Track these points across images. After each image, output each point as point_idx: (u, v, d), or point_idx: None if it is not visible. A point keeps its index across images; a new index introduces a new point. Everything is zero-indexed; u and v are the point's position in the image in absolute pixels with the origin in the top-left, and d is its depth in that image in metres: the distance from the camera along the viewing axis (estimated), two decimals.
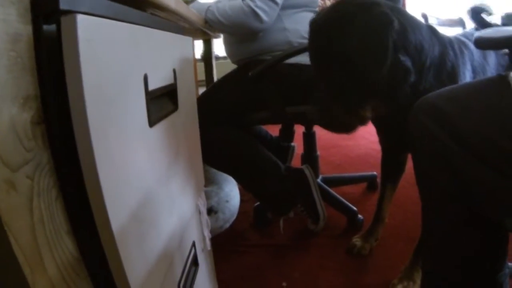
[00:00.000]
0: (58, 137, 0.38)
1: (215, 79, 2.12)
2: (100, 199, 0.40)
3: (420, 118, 0.68)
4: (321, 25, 0.88)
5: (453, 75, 0.91)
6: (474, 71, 0.99)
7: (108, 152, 0.42)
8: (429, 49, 0.89)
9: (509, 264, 0.70)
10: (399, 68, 0.84)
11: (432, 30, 0.92)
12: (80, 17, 0.36)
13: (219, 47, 2.43)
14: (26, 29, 0.34)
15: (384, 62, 0.79)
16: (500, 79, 0.66)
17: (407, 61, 0.85)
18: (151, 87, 0.57)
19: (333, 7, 0.88)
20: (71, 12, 0.36)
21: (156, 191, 0.58)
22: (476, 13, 1.53)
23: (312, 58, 0.93)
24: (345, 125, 0.92)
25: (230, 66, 1.50)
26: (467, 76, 0.95)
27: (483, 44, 0.76)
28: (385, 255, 1.28)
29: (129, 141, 0.49)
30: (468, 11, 1.57)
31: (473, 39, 1.07)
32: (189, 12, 1.01)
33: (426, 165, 0.68)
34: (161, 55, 0.65)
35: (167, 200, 0.63)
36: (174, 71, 0.72)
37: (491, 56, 1.08)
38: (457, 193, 0.64)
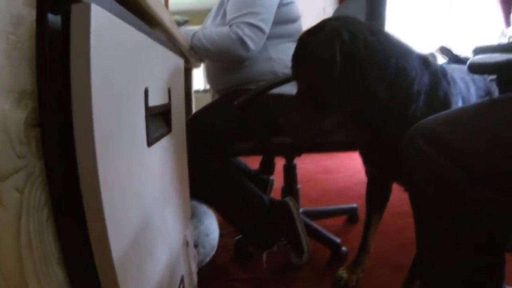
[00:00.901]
0: (54, 144, 0.32)
1: (194, 111, 2.08)
2: (101, 223, 0.34)
3: (417, 143, 0.68)
4: (299, 39, 0.95)
5: (446, 103, 0.93)
6: (463, 101, 1.01)
7: (111, 168, 0.36)
8: (415, 76, 0.90)
9: (507, 287, 0.69)
10: (365, 90, 0.86)
11: (423, 60, 0.94)
12: (94, 7, 0.31)
13: (195, 79, 2.41)
14: (30, 14, 0.29)
15: (331, 75, 0.84)
16: (492, 102, 0.68)
17: (373, 84, 0.86)
18: (150, 103, 0.53)
19: (314, 28, 0.94)
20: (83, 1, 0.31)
21: (153, 217, 0.51)
22: (446, 51, 1.64)
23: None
24: (301, 132, 0.96)
25: (208, 100, 1.47)
26: (459, 106, 0.96)
27: (476, 69, 0.78)
28: (372, 286, 1.23)
29: (130, 158, 0.43)
30: (437, 50, 1.68)
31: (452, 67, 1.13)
32: (179, 33, 0.98)
33: (425, 188, 0.68)
34: (159, 71, 0.61)
35: (162, 227, 0.57)
36: (169, 90, 0.68)
37: (472, 88, 1.12)
38: (456, 214, 0.63)
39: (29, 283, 0.29)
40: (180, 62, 0.78)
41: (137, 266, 0.42)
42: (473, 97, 1.09)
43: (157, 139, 0.58)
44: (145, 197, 0.49)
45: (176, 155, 0.73)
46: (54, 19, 0.31)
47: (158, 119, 0.63)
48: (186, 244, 0.80)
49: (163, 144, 0.63)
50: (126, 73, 0.41)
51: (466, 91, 1.05)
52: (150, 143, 0.52)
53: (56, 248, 0.33)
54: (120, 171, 0.39)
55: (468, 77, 1.12)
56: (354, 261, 1.28)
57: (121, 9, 0.43)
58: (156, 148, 0.57)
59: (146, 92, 0.50)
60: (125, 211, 0.40)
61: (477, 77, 1.18)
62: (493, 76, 0.88)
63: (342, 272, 1.27)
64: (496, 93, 1.17)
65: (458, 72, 1.11)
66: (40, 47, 0.30)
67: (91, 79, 0.32)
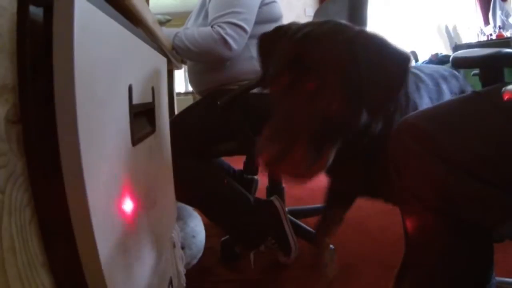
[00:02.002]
0: (37, 142, 0.31)
1: (176, 113, 2.05)
2: (87, 223, 0.32)
3: (404, 141, 0.68)
4: (315, 39, 0.68)
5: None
6: (431, 101, 0.98)
7: (97, 166, 0.35)
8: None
9: (497, 278, 0.70)
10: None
11: None
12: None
13: (176, 82, 2.38)
14: (11, 6, 0.27)
15: (394, 97, 0.69)
16: (476, 95, 0.69)
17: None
18: (133, 101, 0.51)
19: (322, 24, 0.72)
20: None
21: (138, 219, 0.50)
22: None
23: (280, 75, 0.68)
24: (308, 171, 0.68)
25: (189, 102, 1.45)
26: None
27: (460, 63, 0.80)
28: (360, 283, 1.23)
29: (115, 157, 0.42)
30: None
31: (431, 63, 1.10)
32: (162, 34, 0.96)
33: (413, 185, 0.68)
34: (143, 69, 0.59)
35: (148, 228, 0.55)
36: (153, 89, 0.66)
37: (444, 84, 1.09)
38: (446, 207, 0.64)
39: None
40: (163, 61, 0.77)
41: (125, 269, 0.41)
42: (446, 93, 1.04)
43: (142, 138, 0.57)
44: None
45: (161, 156, 0.72)
46: (36, 11, 0.30)
47: (142, 119, 0.62)
48: (173, 245, 0.78)
49: (148, 144, 0.62)
50: (110, 69, 0.40)
51: (436, 88, 0.99)
52: (134, 142, 0.51)
53: (41, 251, 0.32)
54: (105, 170, 0.38)
55: (439, 75, 1.07)
56: None
57: (105, 4, 0.42)
58: (141, 148, 0.56)
59: (130, 89, 0.49)
60: (112, 212, 0.39)
61: (448, 75, 1.13)
62: (476, 71, 0.89)
63: None
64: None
65: (427, 70, 1.05)
66: (21, 40, 0.28)
67: (75, 74, 0.30)
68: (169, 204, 0.77)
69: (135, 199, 0.50)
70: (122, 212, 0.43)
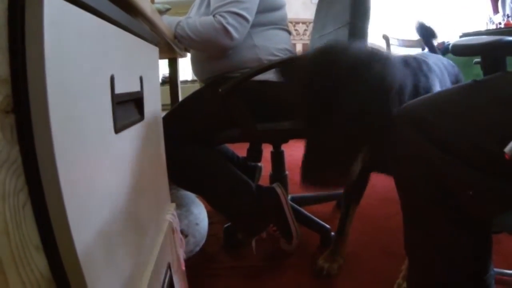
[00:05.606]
0: (29, 131, 0.32)
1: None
2: (62, 213, 0.34)
3: (404, 130, 0.68)
4: (328, 68, 0.80)
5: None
6: (440, 84, 1.03)
7: (72, 154, 0.37)
8: (406, 83, 0.90)
9: (495, 269, 0.71)
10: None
11: (403, 62, 0.94)
12: None
13: (183, 70, 2.38)
14: (2, 1, 0.29)
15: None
16: (476, 84, 0.69)
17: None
18: (117, 91, 0.53)
19: (334, 50, 0.84)
20: None
21: (123, 204, 0.52)
22: (424, 29, 1.63)
23: (312, 106, 0.83)
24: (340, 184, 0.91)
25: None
26: (438, 89, 0.99)
27: (459, 50, 0.79)
28: (360, 270, 1.25)
29: (94, 144, 0.43)
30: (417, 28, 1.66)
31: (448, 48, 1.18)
32: (162, 23, 0.97)
33: (412, 173, 0.68)
34: (128, 59, 0.61)
35: (135, 215, 0.57)
36: (141, 78, 0.68)
37: (445, 73, 1.15)
38: (444, 197, 0.64)
39: (7, 272, 0.29)
40: (153, 50, 0.78)
41: (105, 255, 0.43)
42: (447, 80, 1.12)
43: (127, 126, 0.58)
44: (112, 184, 0.49)
45: (150, 142, 0.74)
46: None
47: (128, 107, 0.63)
48: (173, 231, 0.80)
49: (135, 131, 0.63)
50: (86, 61, 0.41)
51: (441, 75, 1.08)
52: (118, 129, 0.52)
53: (35, 235, 0.33)
54: (82, 157, 0.40)
55: (440, 63, 1.16)
56: (333, 249, 1.28)
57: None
58: (126, 135, 0.57)
59: (112, 79, 0.50)
60: (88, 198, 0.40)
61: (447, 64, 1.22)
62: (478, 59, 0.88)
63: (322, 262, 1.26)
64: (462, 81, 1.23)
65: (432, 58, 1.13)
66: (12, 33, 0.30)
67: (46, 68, 0.32)
68: (159, 189, 0.79)
69: (118, 184, 0.52)
70: (102, 197, 0.45)
